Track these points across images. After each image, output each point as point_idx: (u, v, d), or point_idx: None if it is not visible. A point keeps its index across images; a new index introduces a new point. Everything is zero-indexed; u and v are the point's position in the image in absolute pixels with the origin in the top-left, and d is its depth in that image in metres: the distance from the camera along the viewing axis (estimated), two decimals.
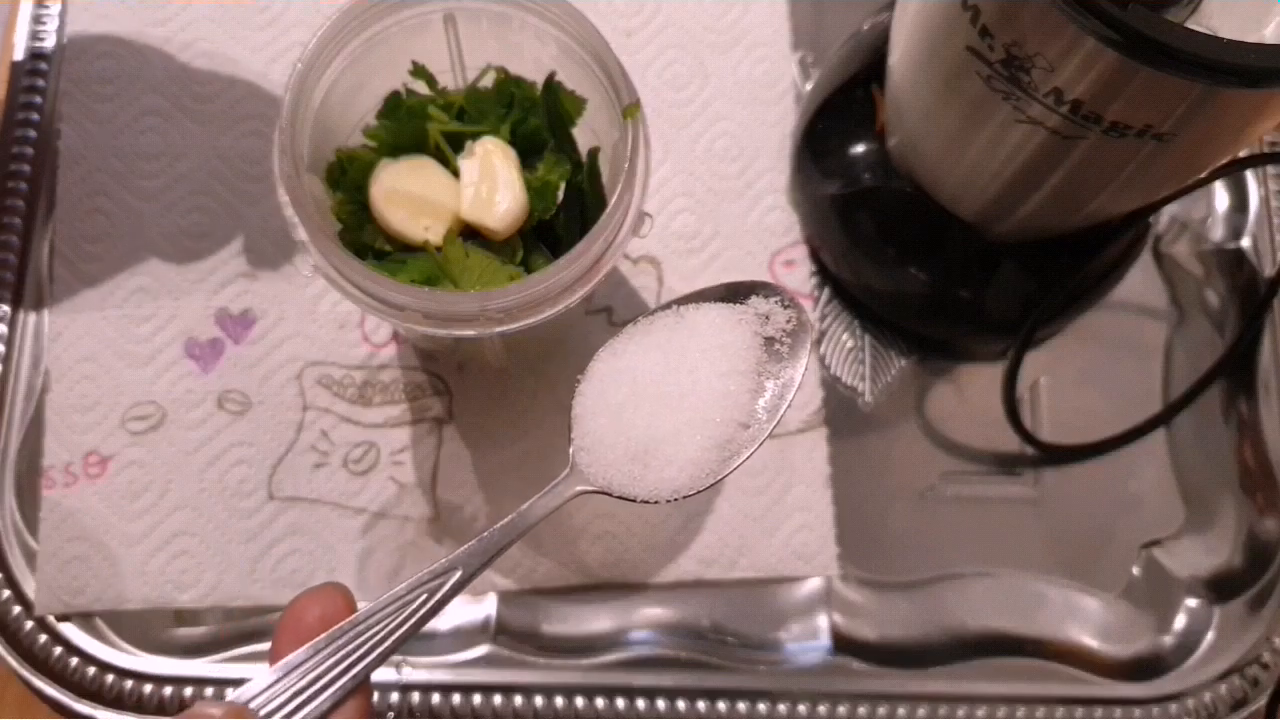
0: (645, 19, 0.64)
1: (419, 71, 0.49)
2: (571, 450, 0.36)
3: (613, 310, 0.59)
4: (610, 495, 0.36)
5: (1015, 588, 0.56)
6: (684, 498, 0.35)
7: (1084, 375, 0.60)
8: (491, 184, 0.48)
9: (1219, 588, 0.56)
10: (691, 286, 0.58)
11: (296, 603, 0.28)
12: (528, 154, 0.50)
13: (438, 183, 0.48)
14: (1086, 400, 0.59)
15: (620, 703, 0.53)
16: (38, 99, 0.61)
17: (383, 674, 0.53)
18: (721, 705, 0.53)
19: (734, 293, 0.37)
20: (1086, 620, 0.56)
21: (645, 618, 0.55)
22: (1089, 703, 0.54)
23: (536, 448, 0.56)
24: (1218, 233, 0.62)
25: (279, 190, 0.42)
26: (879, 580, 0.56)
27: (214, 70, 0.62)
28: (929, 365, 0.60)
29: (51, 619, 0.53)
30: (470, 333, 0.42)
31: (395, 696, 0.52)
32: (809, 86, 0.62)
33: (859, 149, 0.57)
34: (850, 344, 0.60)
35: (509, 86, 0.50)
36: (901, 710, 0.53)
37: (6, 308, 0.57)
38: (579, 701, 0.53)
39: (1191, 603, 0.56)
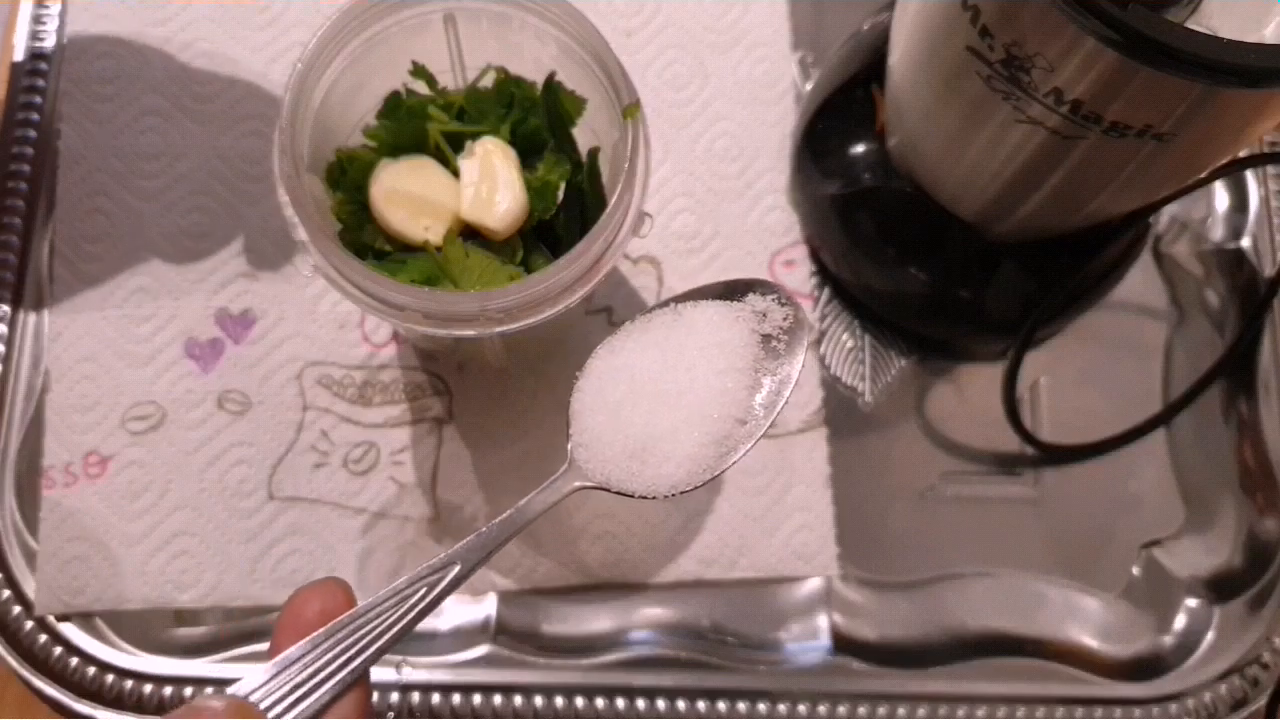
0: (645, 19, 0.64)
1: (419, 71, 0.49)
2: (570, 446, 0.36)
3: (613, 310, 0.59)
4: (608, 491, 0.36)
5: (1015, 588, 0.56)
6: (681, 493, 0.35)
7: (1084, 375, 0.60)
8: (491, 184, 0.48)
9: (1219, 588, 0.56)
10: (691, 286, 0.58)
11: (296, 597, 0.28)
12: (528, 154, 0.50)
13: (438, 183, 0.48)
14: (1086, 400, 0.59)
15: (620, 703, 0.53)
16: (38, 99, 0.61)
17: (383, 674, 0.53)
18: (721, 705, 0.53)
19: (731, 290, 0.37)
20: (1086, 620, 0.56)
21: (645, 618, 0.55)
22: (1089, 703, 0.54)
23: (536, 448, 0.56)
24: (1218, 233, 0.62)
25: (279, 190, 0.42)
26: (879, 580, 0.56)
27: (214, 70, 0.62)
28: (929, 365, 0.60)
29: (51, 619, 0.53)
30: (470, 333, 0.42)
31: (395, 696, 0.52)
32: (809, 86, 0.62)
33: (859, 149, 0.57)
34: (850, 344, 0.60)
35: (509, 86, 0.50)
36: (901, 710, 0.53)
37: (6, 308, 0.57)
38: (579, 701, 0.53)
39: (1191, 603, 0.56)
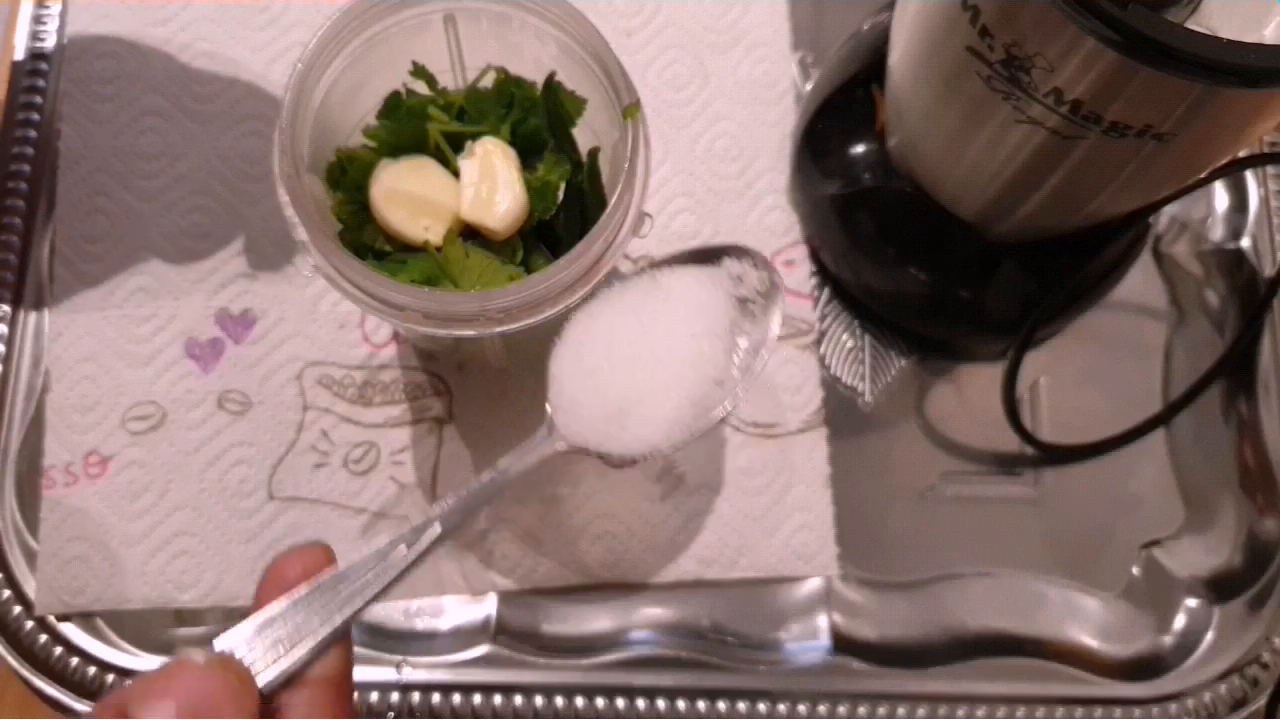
0: (645, 19, 0.64)
1: (419, 72, 0.49)
2: (548, 410, 0.36)
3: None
4: (587, 453, 0.36)
5: (1015, 588, 0.56)
6: (660, 454, 0.35)
7: (1084, 375, 0.60)
8: (491, 184, 0.48)
9: (1219, 588, 0.56)
10: None
11: (279, 559, 0.28)
12: (528, 154, 0.50)
13: (438, 183, 0.48)
14: (1086, 400, 0.59)
15: (620, 702, 0.53)
16: (38, 99, 0.61)
17: (383, 674, 0.53)
18: (721, 705, 0.53)
19: (707, 255, 0.37)
20: (1086, 620, 0.56)
21: (645, 617, 0.55)
22: (1089, 702, 0.54)
23: None
24: (1217, 233, 0.62)
25: (279, 190, 0.42)
26: (879, 580, 0.56)
27: (214, 70, 0.62)
28: (929, 365, 0.60)
29: (51, 619, 0.53)
30: (470, 333, 0.42)
31: (395, 696, 0.52)
32: (809, 87, 0.63)
33: (859, 149, 0.57)
34: (850, 344, 0.60)
35: (509, 87, 0.50)
36: (901, 710, 0.53)
37: (7, 308, 0.57)
38: (579, 701, 0.53)
39: (1191, 603, 0.56)
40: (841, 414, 0.58)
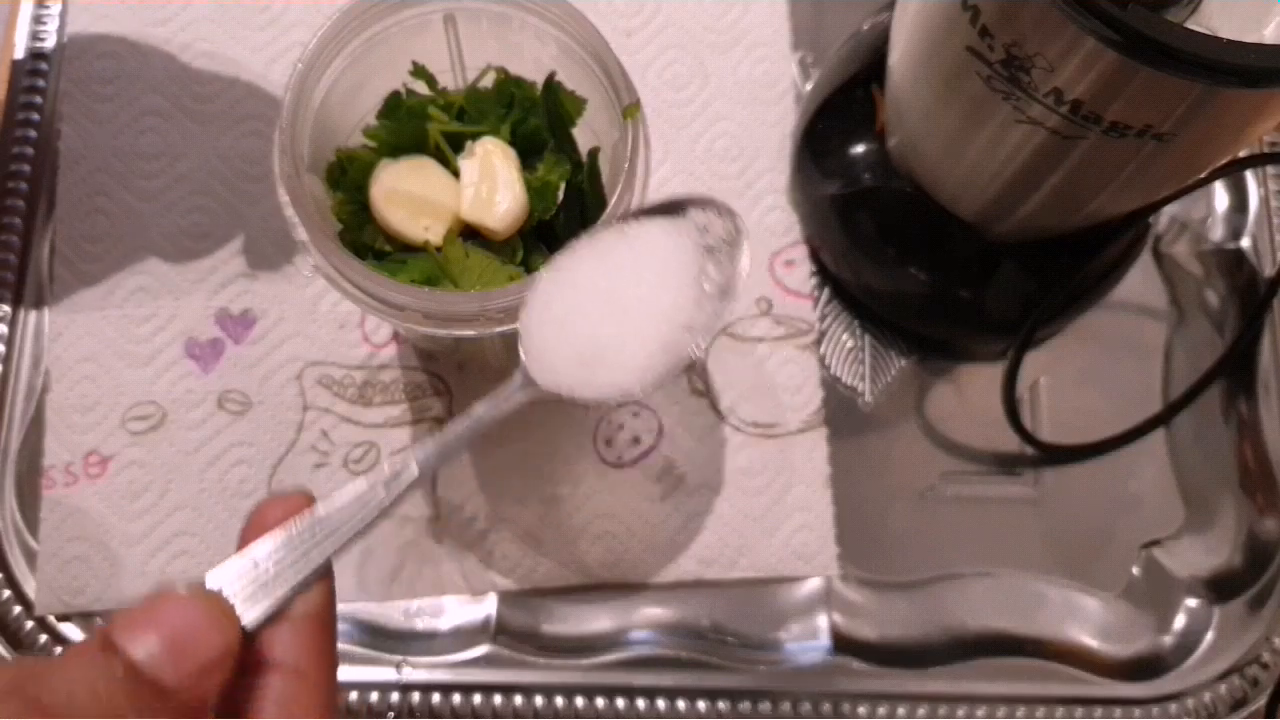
0: (645, 19, 0.64)
1: (419, 72, 0.49)
2: (521, 359, 0.36)
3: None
4: (560, 398, 0.36)
5: (1015, 588, 0.56)
6: (631, 398, 0.35)
7: (1084, 375, 0.60)
8: (491, 184, 0.48)
9: (1219, 588, 0.56)
10: None
11: (261, 504, 0.29)
12: (528, 154, 0.50)
13: (438, 183, 0.48)
14: (1086, 400, 0.59)
15: (620, 702, 0.53)
16: (38, 99, 0.61)
17: (383, 674, 0.53)
18: (722, 705, 0.53)
19: (672, 208, 0.38)
20: (1086, 620, 0.56)
21: (645, 617, 0.55)
22: (1089, 702, 0.54)
23: (536, 448, 0.57)
24: (1217, 233, 0.62)
25: (279, 190, 0.42)
26: (879, 580, 0.56)
27: (214, 70, 0.62)
28: (929, 365, 0.60)
29: (51, 619, 0.53)
30: (470, 333, 0.42)
31: (395, 696, 0.52)
32: (809, 87, 0.63)
33: (859, 149, 0.57)
34: (850, 344, 0.60)
35: (509, 87, 0.50)
36: (901, 710, 0.53)
37: (7, 307, 0.57)
38: (579, 701, 0.53)
39: (1191, 603, 0.56)
40: (841, 414, 0.58)
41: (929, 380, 0.60)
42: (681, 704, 0.53)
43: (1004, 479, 0.58)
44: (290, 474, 0.55)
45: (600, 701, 0.53)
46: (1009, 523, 0.57)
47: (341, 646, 0.53)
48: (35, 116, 0.61)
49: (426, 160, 0.49)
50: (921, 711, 0.53)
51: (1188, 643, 0.56)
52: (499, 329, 0.42)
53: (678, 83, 0.63)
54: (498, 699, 0.53)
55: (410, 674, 0.53)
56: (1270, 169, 0.62)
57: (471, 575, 0.55)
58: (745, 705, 0.53)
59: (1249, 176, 0.62)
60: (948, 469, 0.58)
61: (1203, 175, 0.47)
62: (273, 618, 0.27)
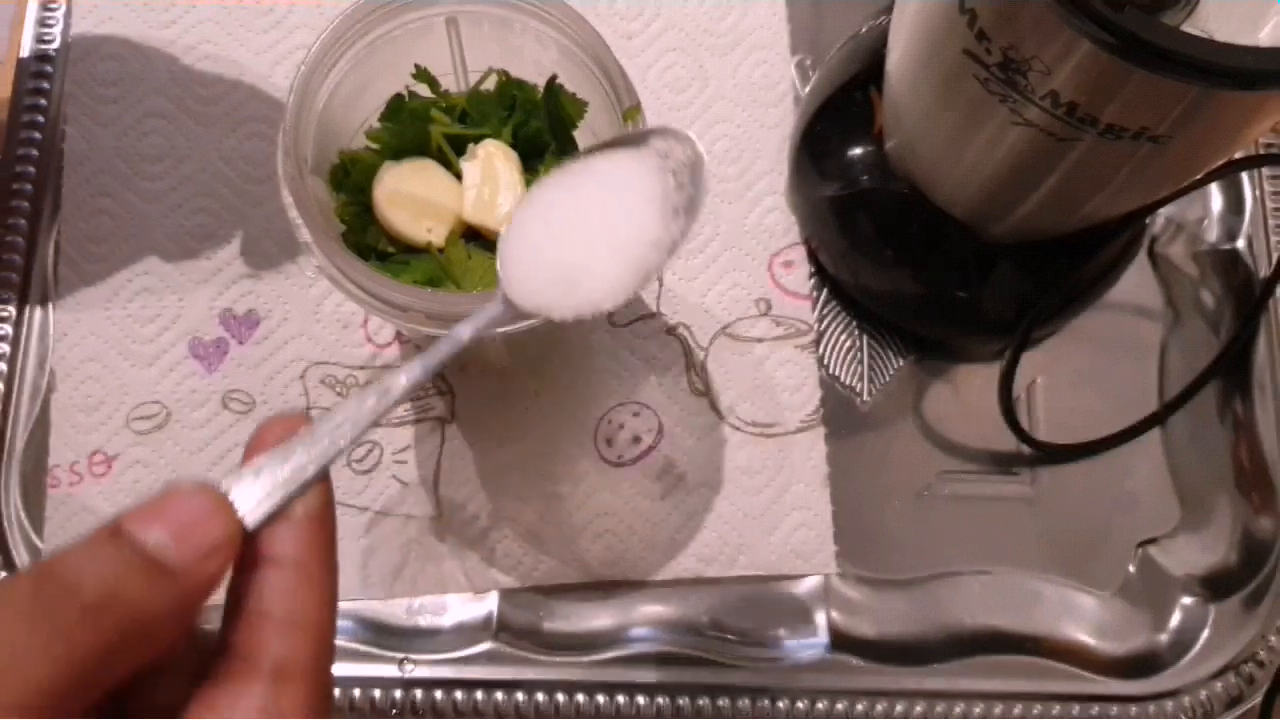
0: (645, 22, 0.64)
1: (421, 74, 0.50)
2: (500, 281, 0.37)
3: (613, 310, 0.59)
4: (538, 318, 0.38)
5: (1012, 586, 0.57)
6: (603, 312, 0.37)
7: (1080, 375, 0.60)
8: (494, 186, 0.48)
9: (1214, 586, 0.57)
10: (691, 288, 0.59)
11: (261, 426, 0.30)
12: (529, 156, 0.50)
13: (440, 185, 0.49)
14: (1083, 400, 0.60)
15: (621, 699, 0.53)
16: (42, 101, 0.61)
17: (385, 671, 0.53)
18: (721, 702, 0.53)
19: (635, 138, 0.39)
20: (1083, 618, 0.56)
21: (645, 615, 0.55)
22: (1085, 700, 0.54)
23: (538, 446, 0.57)
24: (1213, 234, 0.62)
25: (283, 192, 0.43)
26: (877, 578, 0.57)
27: (218, 73, 0.62)
28: (926, 365, 0.60)
29: None
30: None
31: (398, 693, 0.53)
32: (807, 89, 0.63)
33: (857, 151, 0.57)
34: (848, 344, 0.60)
35: (510, 89, 0.50)
36: (899, 707, 0.54)
37: (12, 308, 0.58)
38: (580, 698, 0.53)
39: (1187, 600, 0.56)
40: (840, 413, 0.59)
41: (926, 380, 0.60)
42: (682, 701, 0.53)
43: (1001, 478, 0.59)
44: None
45: (601, 698, 0.53)
46: (1006, 521, 0.58)
47: (344, 644, 0.53)
48: (40, 118, 0.61)
49: (429, 162, 0.49)
50: (919, 709, 0.54)
51: (1184, 640, 0.56)
52: (501, 329, 0.42)
53: (678, 85, 0.63)
54: (500, 696, 0.53)
55: (413, 671, 0.53)
56: (1266, 170, 0.63)
57: (473, 573, 0.55)
58: (744, 702, 0.53)
59: (1244, 178, 0.63)
60: (945, 468, 0.58)
61: (1199, 177, 0.47)
62: (273, 519, 0.28)
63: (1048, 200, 0.47)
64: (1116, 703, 0.54)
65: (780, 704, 0.53)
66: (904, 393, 0.60)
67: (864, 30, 0.60)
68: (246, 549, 0.27)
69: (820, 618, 0.56)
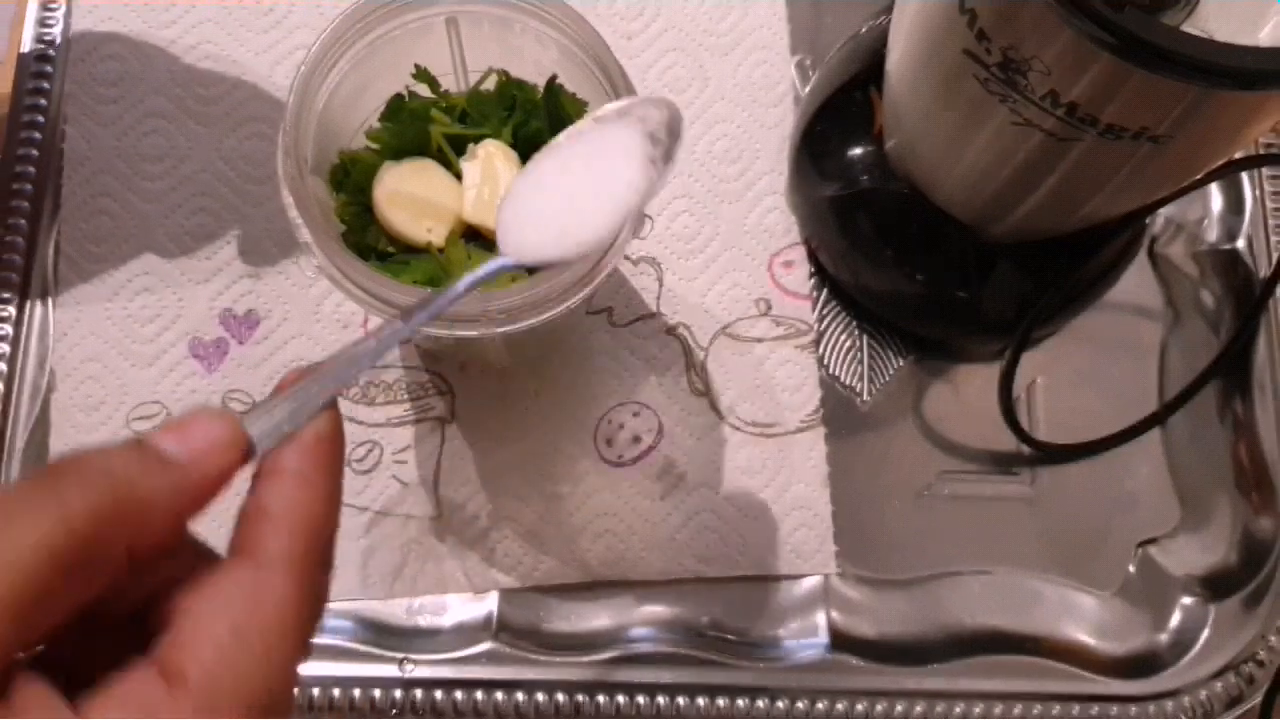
0: (645, 22, 0.64)
1: (421, 74, 0.50)
2: (499, 241, 0.39)
3: (613, 310, 0.59)
4: (529, 269, 0.40)
5: (1012, 586, 0.57)
6: (593, 257, 0.40)
7: (1080, 375, 0.60)
8: (494, 186, 0.48)
9: (1214, 586, 0.57)
10: (691, 287, 0.59)
11: (283, 378, 0.31)
12: (529, 156, 0.50)
13: (440, 185, 0.49)
14: (1083, 400, 0.60)
15: (621, 699, 0.53)
16: (42, 101, 0.61)
17: (386, 671, 0.53)
18: (721, 701, 0.53)
19: (619, 110, 0.41)
20: (1083, 618, 0.56)
21: (645, 615, 0.55)
22: (1085, 699, 0.54)
23: (538, 446, 0.57)
24: (1213, 234, 0.62)
25: (283, 192, 0.43)
26: (877, 578, 0.57)
27: (218, 72, 0.62)
28: (926, 365, 0.60)
29: None
30: (472, 333, 0.43)
31: (398, 693, 0.53)
32: (807, 89, 0.63)
33: (857, 151, 0.57)
34: (848, 344, 0.60)
35: (510, 89, 0.50)
36: (899, 707, 0.54)
37: (12, 308, 0.58)
38: (580, 698, 0.53)
39: (1187, 600, 0.56)
40: (840, 413, 0.59)
41: (926, 380, 0.60)
42: (681, 700, 0.53)
43: (1001, 478, 0.59)
44: None
45: (601, 698, 0.53)
46: (1006, 521, 0.58)
47: (344, 644, 0.53)
48: (40, 118, 0.61)
49: (429, 162, 0.49)
50: (919, 708, 0.54)
51: (1184, 640, 0.56)
52: (501, 329, 0.43)
53: (678, 85, 0.63)
54: (499, 696, 0.53)
55: (413, 671, 0.53)
56: (1265, 170, 0.63)
57: (473, 573, 0.55)
58: (744, 702, 0.53)
59: (1244, 178, 0.63)
60: (945, 468, 0.59)
61: (1199, 177, 0.47)
62: (285, 442, 0.29)
63: (1048, 200, 0.47)
64: (1116, 703, 0.54)
65: (780, 704, 0.53)
66: (904, 393, 0.60)
67: (864, 30, 0.60)
68: (260, 467, 0.29)
69: (820, 617, 0.56)
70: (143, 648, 0.25)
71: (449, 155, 0.49)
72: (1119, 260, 0.57)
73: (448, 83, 0.51)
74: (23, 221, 0.59)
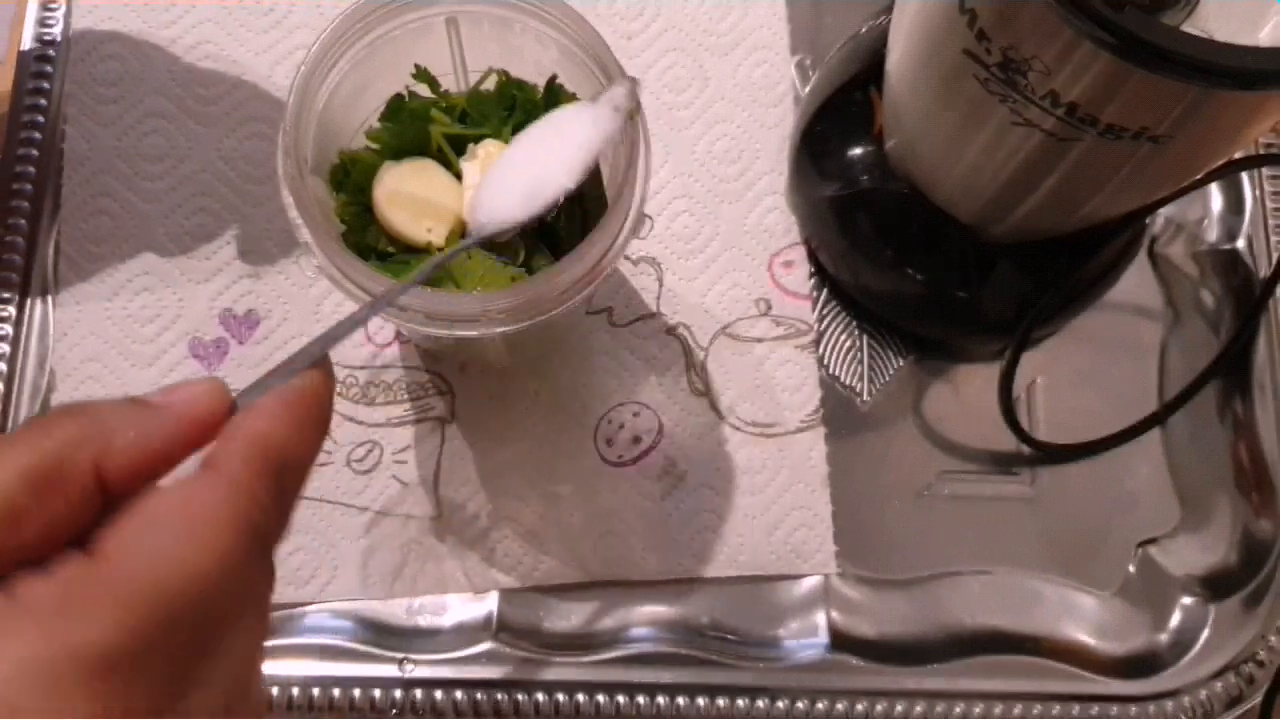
0: (645, 22, 0.64)
1: (421, 74, 0.50)
2: (468, 217, 0.42)
3: (613, 310, 0.59)
4: (500, 238, 0.43)
5: (1012, 586, 0.57)
6: (566, 193, 0.42)
7: (1080, 375, 0.60)
8: None
9: (1214, 586, 0.57)
10: (691, 288, 0.59)
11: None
12: None
13: (440, 185, 0.49)
14: (1083, 400, 0.60)
15: (621, 699, 0.53)
16: (42, 101, 0.61)
17: (386, 670, 0.53)
18: (721, 701, 0.53)
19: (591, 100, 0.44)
20: (1083, 618, 0.56)
21: (645, 615, 0.55)
22: (1085, 700, 0.54)
23: (538, 446, 0.57)
24: (1213, 234, 0.62)
25: (283, 192, 0.43)
26: (877, 578, 0.57)
27: (218, 72, 0.62)
28: (926, 365, 0.60)
29: None
30: (473, 333, 0.43)
31: (398, 693, 0.53)
32: (807, 89, 0.63)
33: (857, 151, 0.57)
34: (848, 344, 0.60)
35: (510, 89, 0.50)
36: (899, 707, 0.54)
37: (12, 308, 0.58)
38: (580, 698, 0.53)
39: (1187, 600, 0.56)
40: (840, 413, 0.59)
41: (926, 380, 0.60)
42: (681, 700, 0.53)
43: (1001, 478, 0.59)
44: None
45: (601, 698, 0.53)
46: (1006, 521, 0.58)
47: (344, 644, 0.53)
48: (40, 118, 0.61)
49: (429, 162, 0.49)
50: (919, 708, 0.54)
51: (1184, 640, 0.56)
52: (501, 329, 0.43)
53: (678, 85, 0.63)
54: (500, 696, 0.53)
55: (413, 671, 0.53)
56: (1265, 170, 0.63)
57: (473, 573, 0.55)
58: (744, 702, 0.53)
59: (1244, 178, 0.63)
60: (945, 468, 0.59)
61: (1199, 177, 0.47)
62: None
63: (1048, 200, 0.47)
64: (1116, 703, 0.54)
65: (780, 704, 0.53)
66: (904, 393, 0.60)
67: (864, 30, 0.60)
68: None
69: (820, 617, 0.56)
70: None
71: (449, 155, 0.49)
72: (1119, 260, 0.57)
73: (448, 83, 0.51)
74: (23, 221, 0.59)
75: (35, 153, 0.60)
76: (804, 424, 0.58)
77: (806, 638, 0.55)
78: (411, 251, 0.49)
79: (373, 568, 0.55)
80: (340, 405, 0.57)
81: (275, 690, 0.53)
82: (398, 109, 0.50)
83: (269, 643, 0.54)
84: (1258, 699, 0.54)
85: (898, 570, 0.57)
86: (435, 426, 0.57)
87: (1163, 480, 0.59)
